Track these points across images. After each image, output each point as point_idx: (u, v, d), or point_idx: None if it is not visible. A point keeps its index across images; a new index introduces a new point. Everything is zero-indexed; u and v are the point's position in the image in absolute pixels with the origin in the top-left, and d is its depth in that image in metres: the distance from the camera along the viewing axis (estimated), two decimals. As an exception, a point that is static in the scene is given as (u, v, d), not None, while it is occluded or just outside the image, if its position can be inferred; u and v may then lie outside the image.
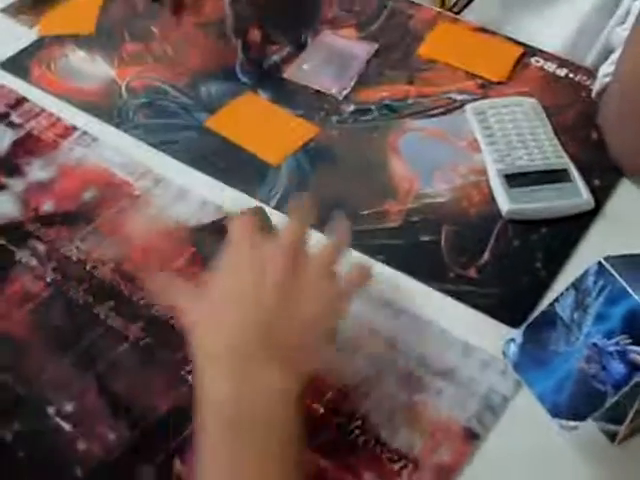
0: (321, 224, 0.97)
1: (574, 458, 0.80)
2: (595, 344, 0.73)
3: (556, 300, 0.77)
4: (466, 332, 0.88)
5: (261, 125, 1.09)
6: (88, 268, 0.93)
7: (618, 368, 0.72)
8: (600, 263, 0.75)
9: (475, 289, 0.92)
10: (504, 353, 0.79)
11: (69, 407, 0.82)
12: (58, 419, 0.81)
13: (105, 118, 1.10)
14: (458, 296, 0.92)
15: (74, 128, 1.08)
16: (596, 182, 1.02)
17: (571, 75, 1.16)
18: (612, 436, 0.80)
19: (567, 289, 0.77)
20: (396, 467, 0.79)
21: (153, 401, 0.83)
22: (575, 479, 0.79)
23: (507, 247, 0.96)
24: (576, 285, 0.76)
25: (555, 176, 1.01)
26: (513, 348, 0.78)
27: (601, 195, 1.01)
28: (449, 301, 0.91)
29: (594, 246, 0.96)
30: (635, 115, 0.99)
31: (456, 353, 0.87)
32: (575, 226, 0.98)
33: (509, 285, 0.93)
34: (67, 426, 0.81)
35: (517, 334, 0.78)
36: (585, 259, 0.79)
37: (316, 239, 0.82)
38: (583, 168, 1.02)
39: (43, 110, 1.10)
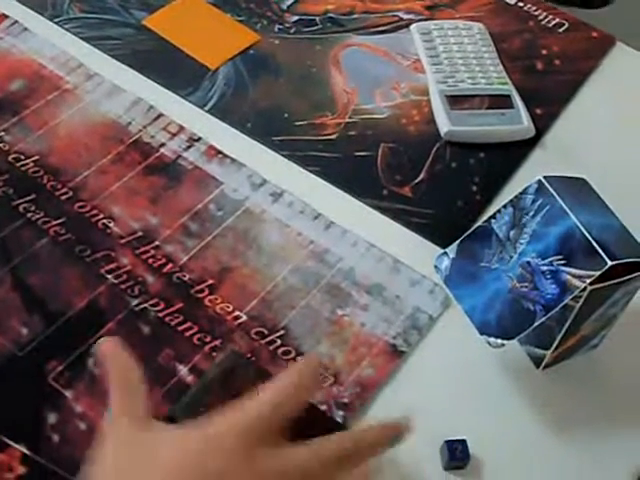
0: (256, 133, 0.95)
1: (498, 380, 0.79)
2: (528, 263, 0.72)
3: (493, 216, 0.76)
4: (397, 250, 0.86)
5: (201, 28, 1.06)
6: (10, 159, 0.89)
7: (550, 288, 0.70)
8: (540, 182, 0.74)
9: (409, 208, 0.90)
10: (436, 267, 0.77)
11: (-20, 298, 0.79)
12: (-32, 310, 0.78)
13: (38, 9, 1.05)
14: (391, 214, 0.90)
15: (4, 16, 1.03)
16: (538, 111, 1.01)
17: (520, 4, 1.14)
18: (538, 361, 0.79)
19: (505, 206, 0.75)
20: (316, 379, 0.77)
21: (70, 298, 0.80)
22: (497, 400, 0.78)
23: (444, 169, 0.94)
24: (514, 203, 0.75)
25: (497, 101, 0.99)
26: (446, 262, 0.76)
27: (542, 124, 1.00)
28: (382, 218, 0.90)
29: (532, 173, 0.93)
30: None
31: (385, 269, 0.85)
32: (514, 153, 0.97)
33: (443, 206, 0.91)
34: (-23, 318, 0.78)
35: (451, 248, 0.76)
36: (522, 186, 0.77)
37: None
38: (526, 96, 1.01)
39: (-28, -4, 1.05)
